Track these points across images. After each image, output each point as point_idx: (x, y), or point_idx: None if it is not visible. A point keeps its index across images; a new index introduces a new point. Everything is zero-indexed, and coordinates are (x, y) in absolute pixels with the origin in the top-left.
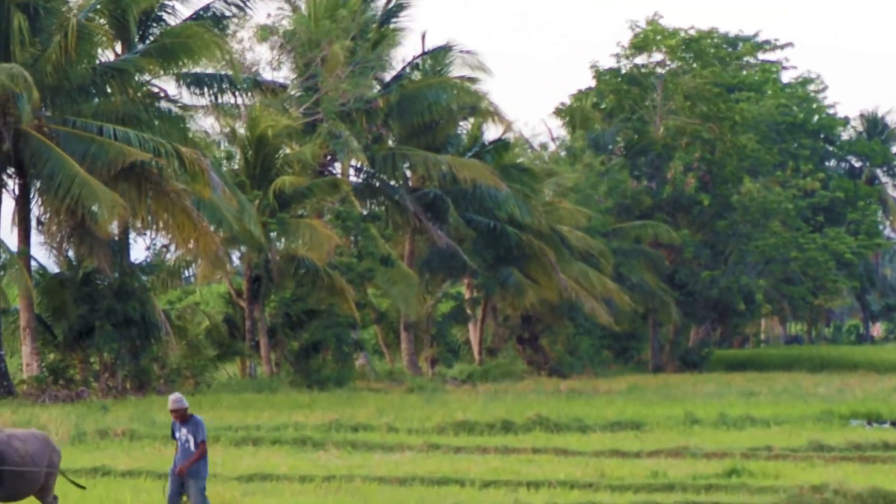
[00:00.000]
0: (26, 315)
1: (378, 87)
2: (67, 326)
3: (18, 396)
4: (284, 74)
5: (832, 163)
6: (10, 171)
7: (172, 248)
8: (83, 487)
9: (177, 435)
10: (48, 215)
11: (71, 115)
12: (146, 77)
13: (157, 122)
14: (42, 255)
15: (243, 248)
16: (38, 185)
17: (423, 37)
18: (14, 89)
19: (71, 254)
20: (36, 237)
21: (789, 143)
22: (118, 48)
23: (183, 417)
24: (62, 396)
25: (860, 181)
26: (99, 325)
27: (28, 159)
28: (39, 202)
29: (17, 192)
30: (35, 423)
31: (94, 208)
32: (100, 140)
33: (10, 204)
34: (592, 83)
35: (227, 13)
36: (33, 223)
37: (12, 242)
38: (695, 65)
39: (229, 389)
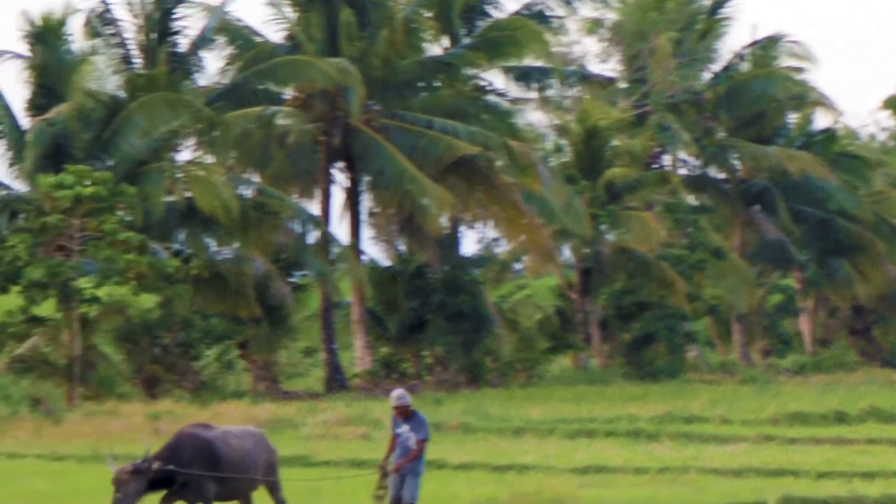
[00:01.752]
0: (358, 309)
1: (706, 79)
2: (399, 320)
3: (351, 390)
4: (612, 67)
5: None
6: (340, 165)
7: (502, 241)
8: None
9: (397, 431)
10: (378, 209)
11: (399, 110)
12: (473, 70)
13: (484, 116)
14: (373, 248)
15: (573, 241)
16: (367, 179)
17: (754, 28)
18: (343, 84)
19: (402, 247)
20: (366, 231)
21: None
22: (445, 42)
23: (406, 414)
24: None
25: None
26: (431, 319)
27: (357, 154)
28: (369, 196)
29: (347, 186)
30: (368, 416)
31: (424, 202)
32: (429, 134)
33: (340, 198)
34: None
35: (554, 6)
36: (363, 217)
37: (343, 236)
38: None
39: (562, 382)
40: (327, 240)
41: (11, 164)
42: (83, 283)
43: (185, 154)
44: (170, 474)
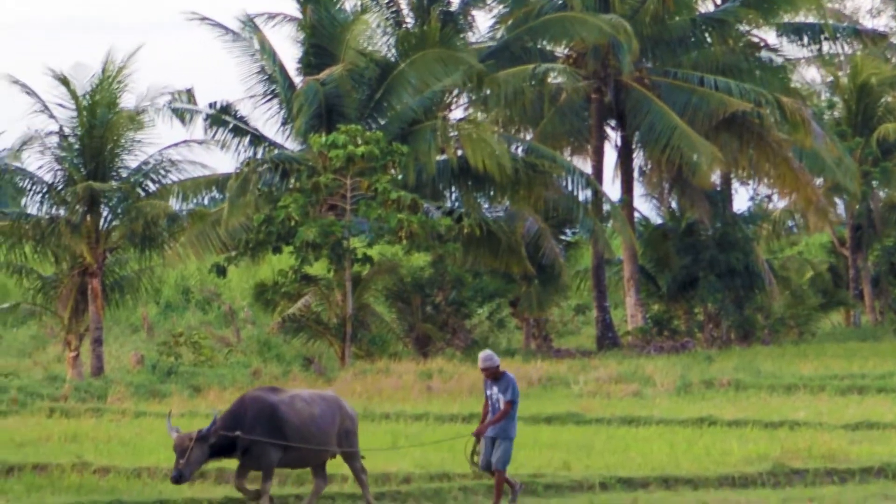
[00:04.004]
0: (630, 266)
1: None
2: (671, 277)
3: (623, 348)
4: (884, 22)
5: None
6: (612, 122)
7: (774, 198)
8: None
9: (488, 393)
10: (649, 166)
11: (671, 67)
12: (745, 27)
13: (757, 72)
14: (644, 206)
15: (845, 197)
16: (638, 136)
17: None
18: (615, 40)
19: (673, 204)
20: (638, 188)
21: None
22: None
23: (494, 376)
24: (667, 347)
25: None
26: (702, 276)
27: (629, 111)
28: (641, 153)
29: (618, 143)
30: (640, 373)
31: (695, 159)
32: (700, 91)
33: (612, 155)
34: None
35: None
36: (635, 174)
37: (615, 193)
38: None
39: (833, 338)
40: (599, 197)
41: (284, 124)
42: (355, 242)
43: (457, 112)
44: (231, 440)
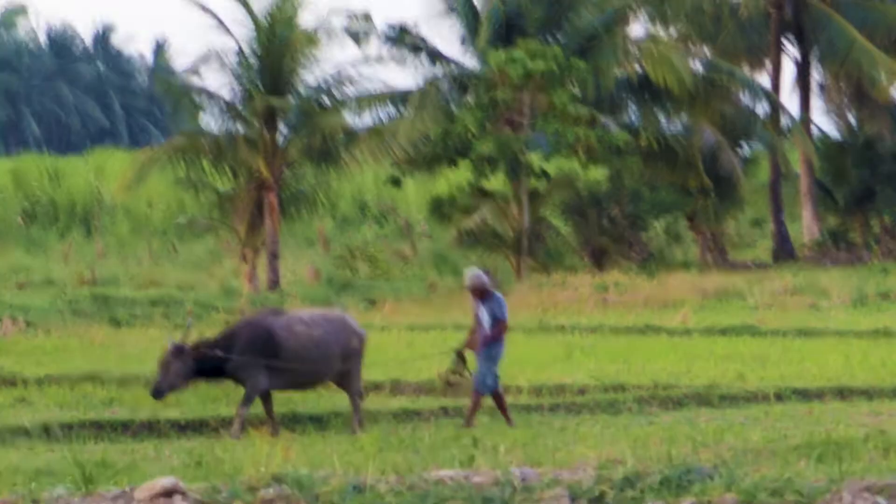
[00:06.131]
0: (807, 180)
1: None
2: (848, 191)
3: (799, 260)
4: None
5: None
6: (791, 37)
7: None
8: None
9: (477, 313)
10: (828, 81)
11: None
12: None
13: None
14: (823, 120)
15: None
16: (817, 51)
17: None
18: None
19: (851, 119)
20: (816, 103)
21: None
22: None
23: (481, 295)
24: (842, 260)
25: None
26: (879, 189)
27: (808, 26)
28: (819, 68)
29: (797, 58)
30: (815, 286)
31: (874, 74)
32: (880, 6)
33: (791, 70)
34: None
35: None
36: (814, 89)
37: (794, 108)
38: None
39: None
40: (777, 112)
41: (463, 42)
42: (532, 157)
43: (635, 28)
44: (220, 361)
